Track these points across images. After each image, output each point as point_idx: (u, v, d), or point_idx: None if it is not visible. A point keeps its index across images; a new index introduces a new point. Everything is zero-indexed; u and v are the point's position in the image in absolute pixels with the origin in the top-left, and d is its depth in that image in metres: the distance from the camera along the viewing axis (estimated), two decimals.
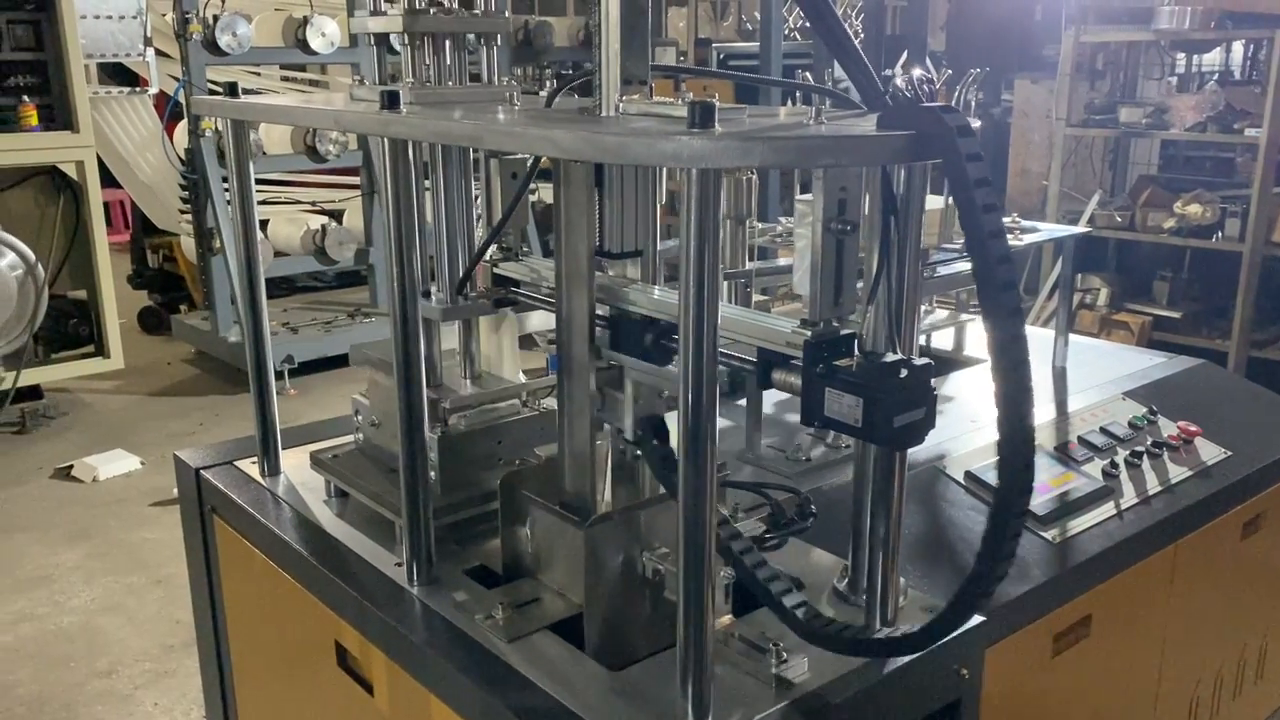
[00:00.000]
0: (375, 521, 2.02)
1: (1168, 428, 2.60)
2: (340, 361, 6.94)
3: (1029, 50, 7.68)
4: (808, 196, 1.34)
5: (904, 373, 1.29)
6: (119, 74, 7.89)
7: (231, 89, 2.04)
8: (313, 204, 7.74)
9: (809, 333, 1.36)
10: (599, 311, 1.68)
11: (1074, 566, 2.08)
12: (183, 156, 6.83)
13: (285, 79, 8.15)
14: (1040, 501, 2.22)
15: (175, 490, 5.10)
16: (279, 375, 6.81)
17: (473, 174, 2.01)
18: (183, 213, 7.09)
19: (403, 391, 1.73)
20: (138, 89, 7.29)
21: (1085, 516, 2.22)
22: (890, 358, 1.31)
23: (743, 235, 2.27)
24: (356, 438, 2.18)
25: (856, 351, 1.37)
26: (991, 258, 1.19)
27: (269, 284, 7.62)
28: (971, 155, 1.18)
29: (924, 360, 1.29)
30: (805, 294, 1.36)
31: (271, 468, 2.28)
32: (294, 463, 2.29)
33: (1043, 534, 2.14)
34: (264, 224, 7.37)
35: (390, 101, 1.59)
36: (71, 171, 5.92)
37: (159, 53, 7.17)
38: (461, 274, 1.88)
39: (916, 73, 1.41)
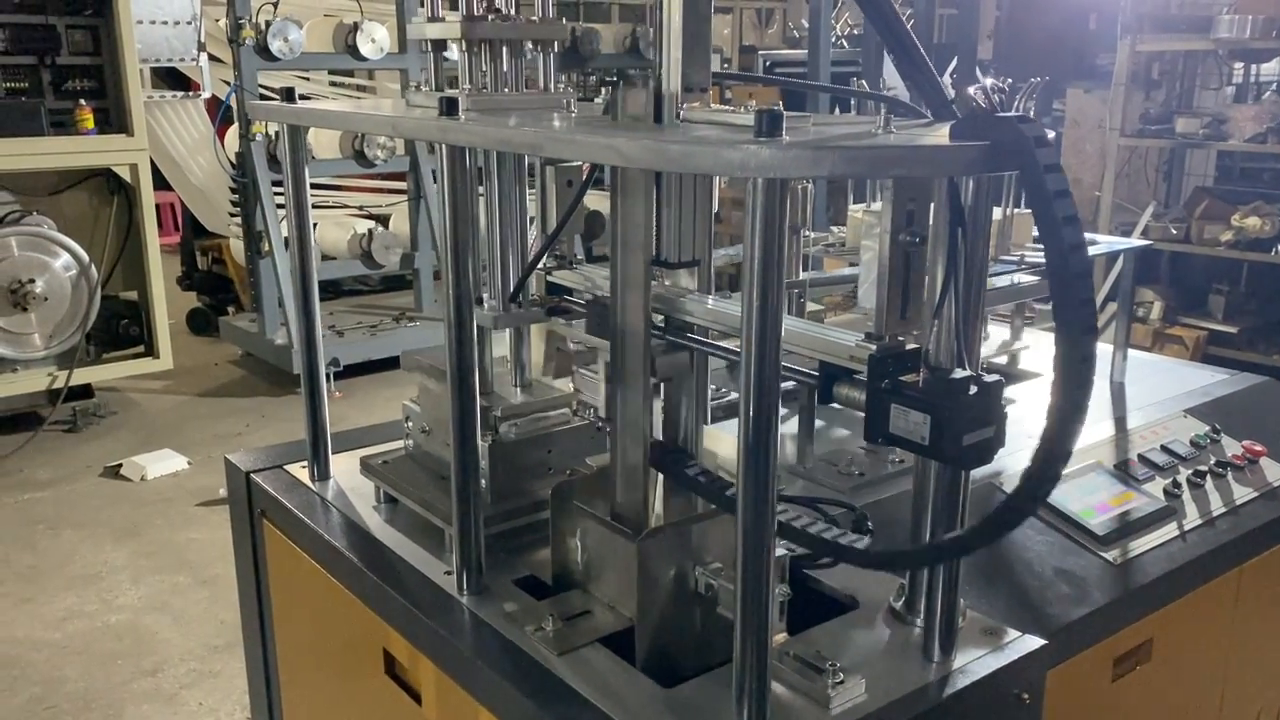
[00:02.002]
0: (424, 529, 2.01)
1: (1231, 447, 2.53)
2: (385, 365, 6.99)
3: (1083, 59, 7.58)
4: (876, 207, 1.31)
5: (973, 389, 1.26)
6: (170, 78, 8.01)
7: (288, 94, 2.04)
8: (360, 208, 7.80)
9: (874, 347, 1.33)
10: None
11: (1135, 589, 2.03)
12: (233, 160, 6.91)
13: (333, 84, 8.23)
14: (1100, 521, 2.16)
15: (222, 491, 5.21)
16: (326, 377, 6.87)
17: (526, 180, 2.01)
18: (232, 215, 7.17)
19: (456, 399, 1.72)
20: (190, 93, 7.38)
21: (1147, 537, 2.16)
22: (959, 374, 1.27)
23: (796, 245, 2.24)
24: (407, 444, 2.18)
25: (923, 367, 1.34)
26: (1071, 273, 1.16)
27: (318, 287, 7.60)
28: (1050, 166, 1.14)
29: (994, 377, 1.26)
30: (871, 307, 1.33)
31: (321, 472, 2.28)
32: (343, 468, 2.29)
33: (1103, 554, 2.08)
34: (312, 226, 7.43)
35: (448, 108, 1.58)
36: (125, 174, 6.00)
37: (212, 58, 7.26)
38: (515, 282, 1.87)
39: (988, 81, 1.38)
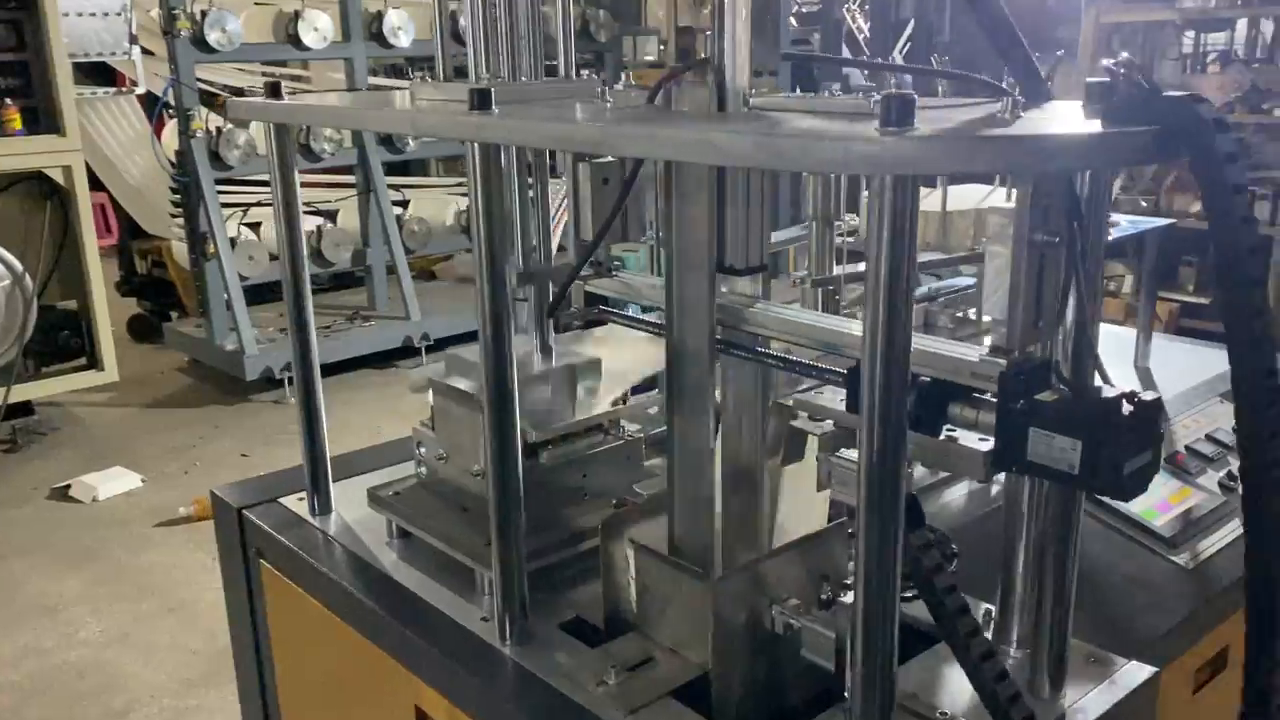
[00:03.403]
0: (446, 566, 1.82)
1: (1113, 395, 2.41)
2: (341, 368, 6.72)
3: (1041, 32, 7.51)
4: (1005, 205, 1.15)
5: (1127, 409, 1.10)
6: (94, 73, 7.60)
7: (274, 89, 1.82)
8: (307, 205, 7.47)
9: (1004, 362, 1.17)
10: None
11: (1213, 595, 1.90)
12: (173, 159, 6.57)
13: (265, 74, 7.88)
14: (1165, 521, 2.04)
15: (182, 509, 4.94)
16: (279, 384, 6.59)
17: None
18: (174, 217, 6.83)
19: (494, 428, 1.53)
20: (123, 89, 7.01)
21: (1214, 536, 2.04)
22: (1109, 391, 1.11)
23: (830, 237, 2.07)
24: (419, 471, 1.98)
25: (1056, 383, 1.18)
26: (1247, 278, 1.00)
27: (263, 289, 7.34)
28: (1230, 155, 0.99)
29: (1152, 394, 1.10)
30: (998, 317, 1.17)
31: (322, 505, 2.07)
32: (341, 497, 2.09)
33: (1174, 558, 1.96)
34: (256, 226, 7.13)
35: (481, 101, 1.38)
36: (59, 177, 5.67)
37: (144, 51, 6.89)
38: (555, 294, 1.68)
39: (1123, 55, 1.22)
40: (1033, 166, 0.99)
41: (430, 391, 1.88)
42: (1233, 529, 2.07)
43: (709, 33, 1.37)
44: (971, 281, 2.76)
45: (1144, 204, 6.15)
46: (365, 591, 1.80)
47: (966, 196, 2.65)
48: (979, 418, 1.20)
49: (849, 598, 1.38)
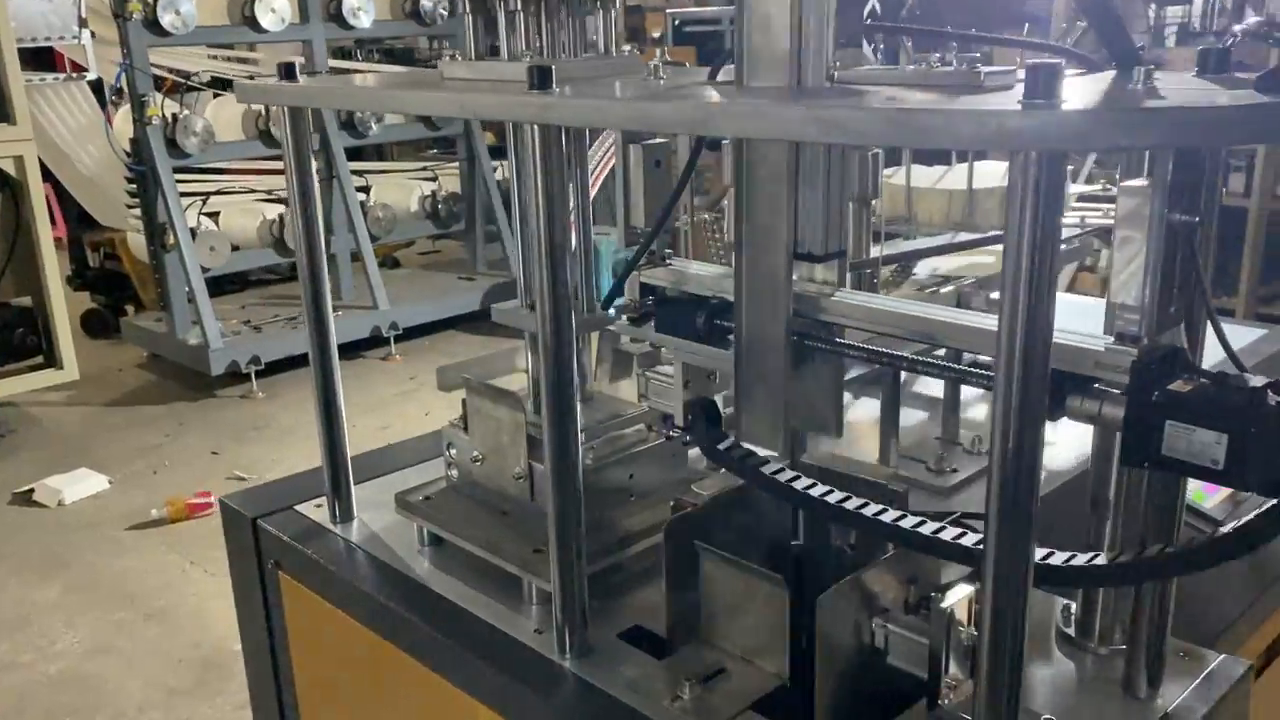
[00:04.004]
0: (485, 575, 1.72)
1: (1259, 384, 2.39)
2: (308, 360, 6.53)
3: (1010, 6, 7.49)
4: (1136, 184, 1.07)
5: (1275, 399, 1.03)
6: (35, 59, 7.31)
7: (289, 71, 1.70)
8: (268, 192, 7.27)
9: (1134, 350, 1.09)
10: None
11: (1270, 579, 1.86)
12: (127, 148, 6.34)
13: (211, 57, 7.62)
14: (1215, 504, 1.98)
15: (154, 511, 4.76)
16: (245, 378, 6.41)
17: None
18: (130, 207, 6.60)
19: (554, 429, 1.43)
20: (73, 75, 6.74)
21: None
22: (1254, 381, 1.04)
23: (866, 217, 2.00)
24: (450, 474, 1.87)
25: (1190, 373, 1.11)
26: None
27: (224, 280, 7.15)
28: None
29: None
30: (1129, 302, 1.10)
31: (344, 512, 1.96)
32: (360, 500, 1.98)
33: None
34: (215, 215, 6.92)
35: (541, 80, 1.28)
36: (10, 168, 5.43)
37: (94, 35, 6.64)
38: (613, 284, 1.58)
39: (1251, 19, 1.15)
40: (1201, 141, 0.91)
41: (464, 390, 1.77)
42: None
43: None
44: (993, 259, 2.70)
45: (1116, 176, 6.15)
46: (404, 605, 1.69)
47: (989, 174, 2.59)
48: (1102, 410, 1.13)
49: (946, 600, 1.30)
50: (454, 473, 1.87)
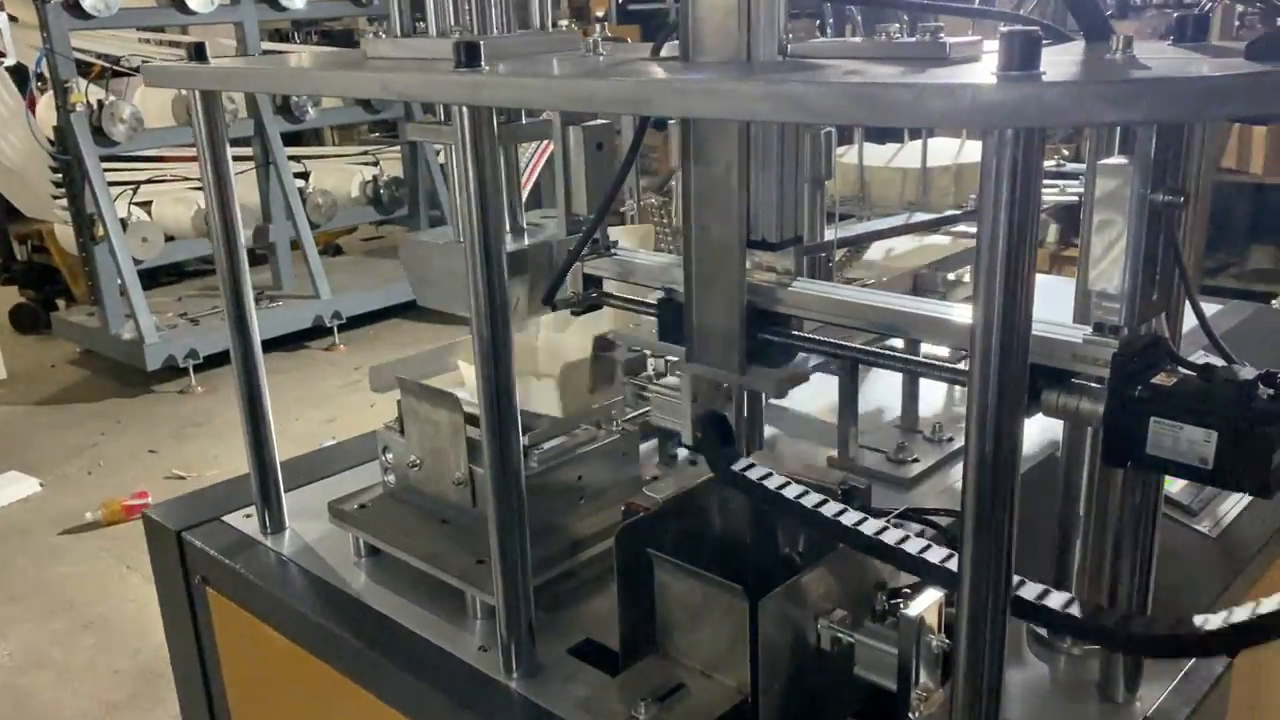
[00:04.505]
0: (427, 588, 1.61)
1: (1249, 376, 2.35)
2: None
3: None
4: (1115, 161, 0.99)
5: (1266, 393, 0.96)
6: None
7: (199, 52, 1.57)
8: (200, 180, 7.03)
9: (1115, 341, 1.01)
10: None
11: (1241, 564, 1.81)
12: (51, 136, 6.08)
13: (142, 40, 7.35)
14: (1181, 487, 1.94)
15: (89, 514, 4.58)
16: (183, 372, 6.21)
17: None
18: (56, 198, 6.35)
19: (494, 435, 1.33)
20: None
21: (1230, 501, 1.95)
22: (1245, 372, 0.97)
23: (820, 199, 1.91)
24: (386, 480, 1.76)
25: (1172, 364, 1.03)
26: None
27: (157, 272, 6.90)
28: None
29: None
30: (1109, 289, 1.02)
31: (274, 522, 1.84)
32: (289, 509, 1.87)
33: (1197, 527, 1.86)
34: (147, 205, 6.69)
35: (469, 56, 1.17)
36: None
37: (11, 18, 6.36)
38: (553, 279, 1.47)
39: None
40: (1197, 115, 0.83)
41: (399, 391, 1.66)
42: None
43: None
44: (947, 240, 2.64)
45: (1065, 151, 6.14)
46: (339, 622, 1.59)
47: (944, 151, 2.52)
48: (1081, 406, 1.05)
49: (912, 609, 1.23)
50: (391, 478, 1.76)
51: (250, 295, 1.78)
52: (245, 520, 1.87)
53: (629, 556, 1.41)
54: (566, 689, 1.39)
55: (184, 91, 1.56)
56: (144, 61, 6.51)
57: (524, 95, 1.15)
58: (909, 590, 1.29)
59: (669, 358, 1.51)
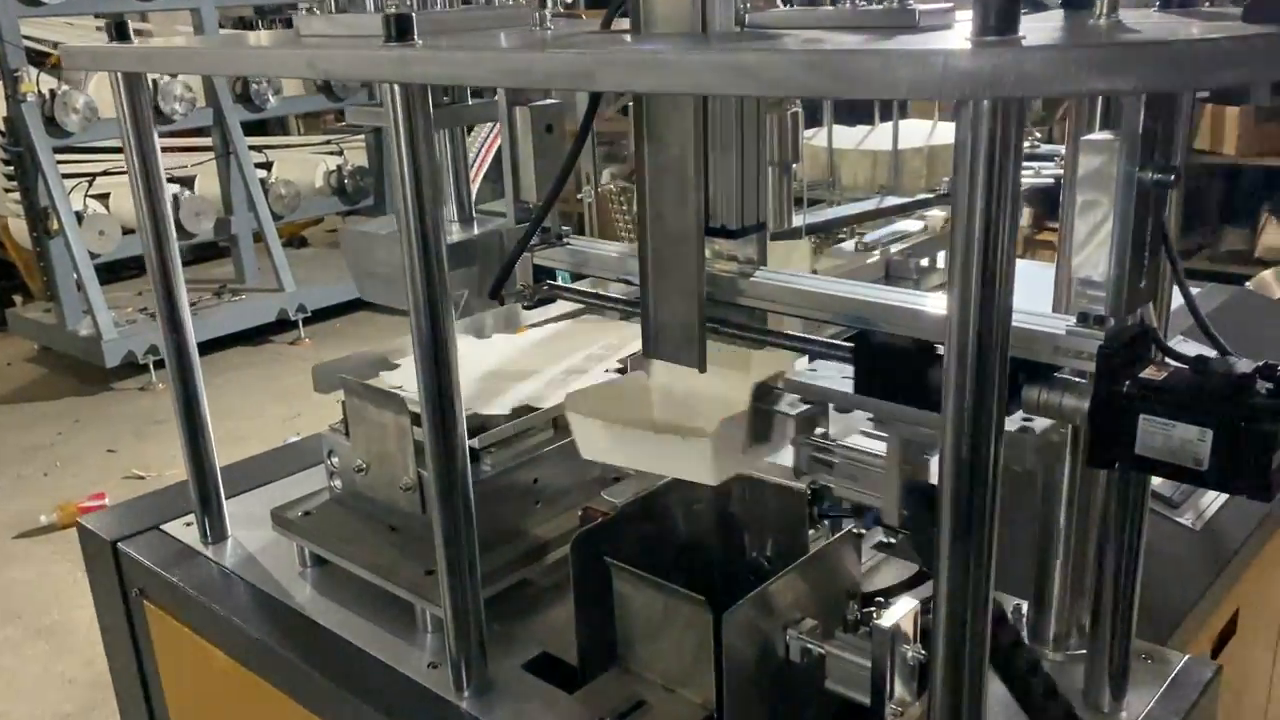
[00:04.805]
0: (374, 600, 1.53)
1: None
2: (211, 347, 6.21)
3: None
4: (1099, 137, 0.91)
5: (1265, 386, 0.88)
6: None
7: (120, 30, 1.46)
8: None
9: (1100, 333, 0.93)
10: None
11: (1226, 559, 1.75)
12: (1, 127, 5.92)
13: (100, 29, 7.18)
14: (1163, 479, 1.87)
15: (43, 517, 4.44)
16: (143, 369, 6.06)
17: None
18: (8, 191, 6.18)
19: (437, 439, 1.24)
20: None
21: (1212, 493, 1.89)
22: (1240, 365, 0.89)
23: (787, 184, 1.83)
24: (332, 485, 1.67)
25: (1161, 356, 0.95)
26: None
27: (117, 266, 6.71)
28: None
29: None
30: (1094, 277, 0.94)
31: (215, 531, 1.74)
32: (232, 516, 1.77)
33: (1180, 520, 1.79)
34: (104, 198, 6.53)
35: (399, 30, 1.07)
36: None
37: None
38: (500, 271, 1.38)
39: None
40: (1191, 82, 0.75)
41: (343, 392, 1.57)
42: None
43: None
44: (921, 225, 2.55)
45: (1037, 134, 6.08)
46: (281, 638, 1.50)
47: (915, 133, 2.44)
48: (1064, 403, 0.97)
49: (886, 618, 1.15)
50: (336, 484, 1.66)
51: (184, 292, 1.68)
52: (185, 529, 1.77)
53: (586, 566, 1.32)
54: (521, 707, 1.31)
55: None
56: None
57: (455, 71, 1.05)
58: (882, 599, 1.21)
59: (863, 412, 1.15)
